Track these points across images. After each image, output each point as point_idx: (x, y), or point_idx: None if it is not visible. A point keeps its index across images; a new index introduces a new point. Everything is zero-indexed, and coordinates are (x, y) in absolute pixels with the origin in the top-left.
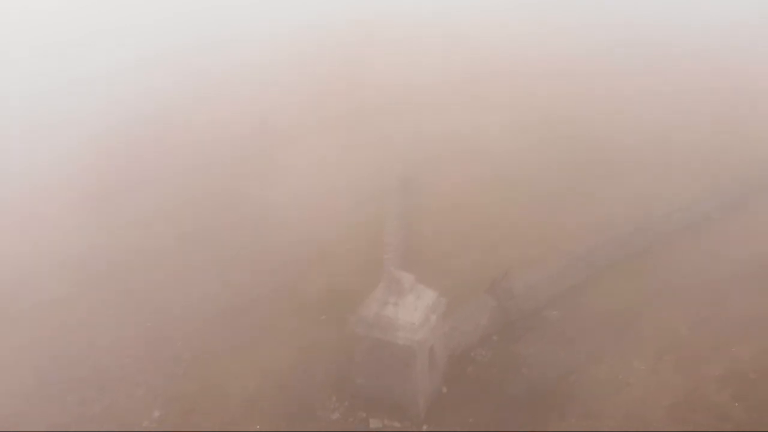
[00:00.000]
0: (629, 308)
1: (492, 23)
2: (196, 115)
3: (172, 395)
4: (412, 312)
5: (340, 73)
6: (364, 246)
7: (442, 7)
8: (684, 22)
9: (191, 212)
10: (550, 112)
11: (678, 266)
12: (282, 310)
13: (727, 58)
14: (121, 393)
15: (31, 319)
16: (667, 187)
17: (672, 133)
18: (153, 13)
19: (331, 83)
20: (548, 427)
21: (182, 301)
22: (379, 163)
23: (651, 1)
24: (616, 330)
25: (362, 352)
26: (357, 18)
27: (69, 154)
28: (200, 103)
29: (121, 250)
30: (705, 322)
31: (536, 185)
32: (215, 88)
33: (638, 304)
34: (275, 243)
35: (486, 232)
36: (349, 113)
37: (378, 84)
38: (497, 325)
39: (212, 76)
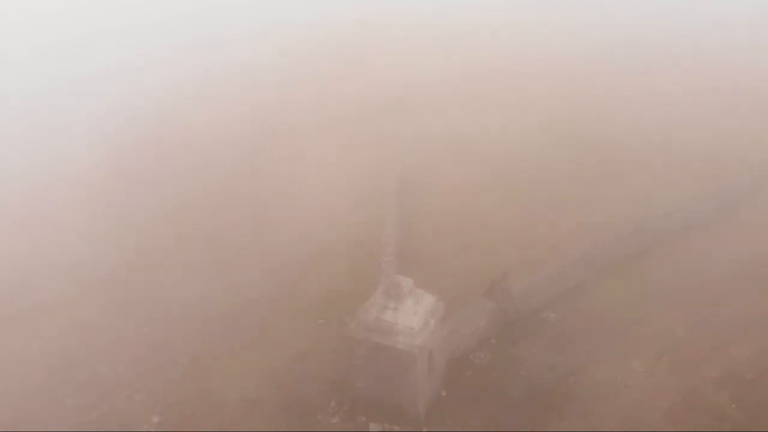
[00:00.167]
0: (628, 309)
1: (492, 23)
2: (196, 115)
3: (172, 400)
4: (411, 316)
5: (340, 73)
6: (364, 246)
7: (442, 7)
8: (684, 22)
9: (191, 212)
10: (550, 112)
11: (677, 267)
12: (282, 311)
13: (727, 58)
14: (120, 396)
15: (31, 320)
16: (667, 187)
17: (672, 133)
18: (153, 13)
19: (331, 83)
20: (548, 429)
21: (182, 301)
22: (379, 164)
23: (651, 1)
24: (615, 331)
25: (362, 356)
26: (357, 18)
27: (69, 154)
28: (200, 103)
29: (121, 250)
30: (704, 322)
31: (536, 185)
32: (215, 88)
33: (637, 305)
34: (275, 243)
35: (486, 233)
36: (349, 113)
37: (378, 84)
38: (496, 328)
39: (212, 76)
